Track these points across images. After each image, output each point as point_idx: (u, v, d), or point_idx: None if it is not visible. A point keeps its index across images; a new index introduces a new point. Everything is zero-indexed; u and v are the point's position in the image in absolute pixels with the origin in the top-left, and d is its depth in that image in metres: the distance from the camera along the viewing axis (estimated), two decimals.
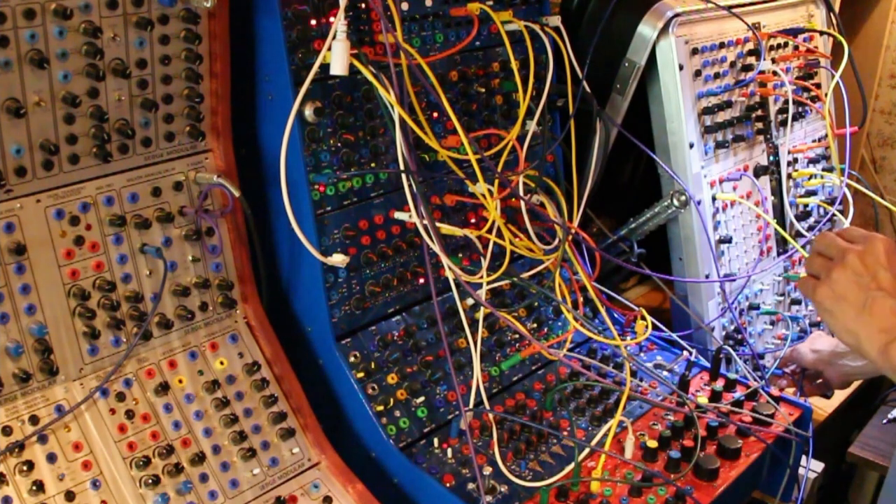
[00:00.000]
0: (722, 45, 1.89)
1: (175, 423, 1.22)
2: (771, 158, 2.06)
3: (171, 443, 1.20)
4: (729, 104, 1.91)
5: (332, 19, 1.30)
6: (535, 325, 1.63)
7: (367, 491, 1.29)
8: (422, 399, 1.42)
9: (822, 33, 2.17)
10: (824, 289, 1.14)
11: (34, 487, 1.07)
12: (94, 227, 1.18)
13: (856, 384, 1.92)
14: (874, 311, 1.08)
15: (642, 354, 1.73)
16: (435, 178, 1.49)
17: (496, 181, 1.50)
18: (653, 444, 1.42)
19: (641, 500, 1.34)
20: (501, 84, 1.61)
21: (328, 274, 1.37)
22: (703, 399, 1.55)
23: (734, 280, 1.90)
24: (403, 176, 1.37)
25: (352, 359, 1.38)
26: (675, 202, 1.80)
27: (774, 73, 1.97)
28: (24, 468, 1.08)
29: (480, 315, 1.49)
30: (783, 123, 2.06)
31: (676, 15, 1.76)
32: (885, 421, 1.95)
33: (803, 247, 2.04)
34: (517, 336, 1.58)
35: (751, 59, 1.96)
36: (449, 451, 1.38)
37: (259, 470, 1.27)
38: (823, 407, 1.91)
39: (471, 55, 1.56)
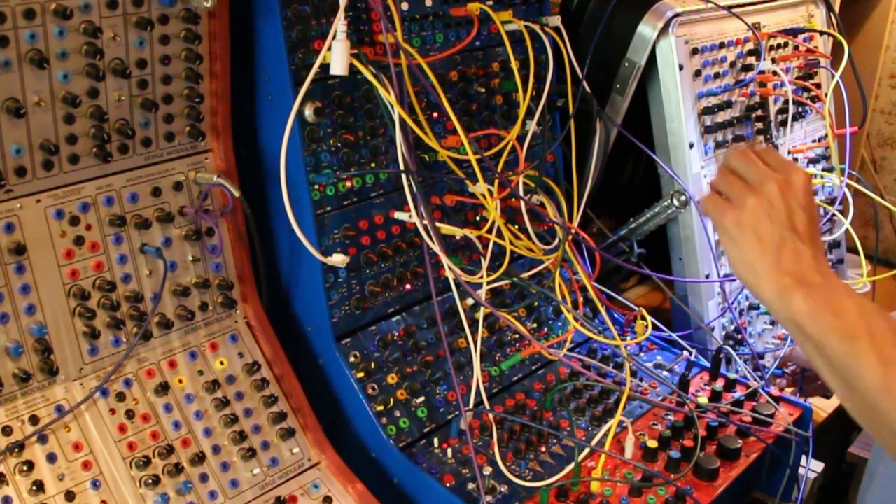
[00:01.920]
0: (722, 45, 1.89)
1: (175, 423, 1.22)
2: None
3: (171, 443, 1.20)
4: (729, 104, 1.91)
5: (332, 19, 1.30)
6: (535, 325, 1.63)
7: (367, 491, 1.29)
8: (422, 399, 1.42)
9: (822, 33, 2.17)
10: (734, 215, 1.03)
11: (34, 487, 1.07)
12: (94, 227, 1.18)
13: None
14: (783, 253, 0.99)
15: (642, 354, 1.73)
16: (435, 178, 1.48)
17: (496, 181, 1.50)
18: (653, 444, 1.42)
19: (641, 500, 1.34)
20: (501, 84, 1.61)
21: (328, 274, 1.37)
22: (703, 399, 1.55)
23: (734, 280, 1.90)
24: (403, 176, 1.37)
25: (352, 359, 1.38)
26: (675, 202, 1.80)
27: (774, 73, 1.97)
28: (24, 468, 1.08)
29: (480, 315, 1.49)
30: (783, 123, 2.06)
31: (676, 15, 1.76)
32: None
33: None
34: (517, 336, 1.58)
35: (751, 59, 1.96)
36: (449, 451, 1.38)
37: (259, 470, 1.27)
38: (823, 407, 1.91)
39: (471, 55, 1.56)
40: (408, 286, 1.49)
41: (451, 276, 1.42)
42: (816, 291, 0.96)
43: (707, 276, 1.84)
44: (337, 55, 1.25)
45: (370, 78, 1.32)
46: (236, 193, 1.28)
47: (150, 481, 1.15)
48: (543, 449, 1.42)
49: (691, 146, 1.81)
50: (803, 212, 1.01)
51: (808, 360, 1.83)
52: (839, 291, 0.97)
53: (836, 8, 2.30)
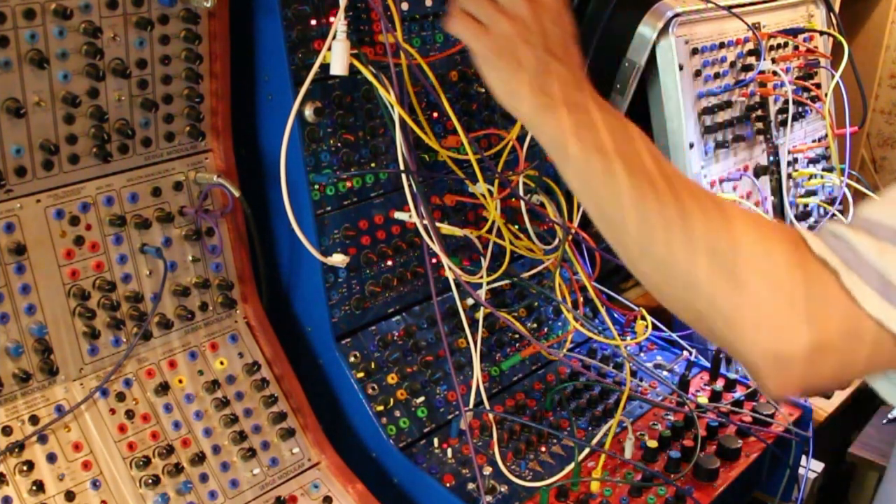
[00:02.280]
0: (722, 45, 1.89)
1: (175, 423, 1.22)
2: (771, 158, 2.06)
3: (171, 443, 1.20)
4: (729, 104, 1.91)
5: (332, 19, 1.30)
6: (535, 325, 1.63)
7: (367, 491, 1.29)
8: (422, 399, 1.42)
9: (822, 33, 2.17)
10: (489, 41, 0.98)
11: (34, 487, 1.07)
12: (94, 227, 1.18)
13: (856, 383, 1.92)
14: (542, 74, 0.96)
15: (642, 354, 1.73)
16: (435, 178, 1.48)
17: (496, 181, 1.50)
18: (653, 444, 1.42)
19: (641, 500, 1.34)
20: None
21: (328, 274, 1.37)
22: (703, 399, 1.56)
23: None
24: (403, 176, 1.37)
25: (352, 359, 1.38)
26: None
27: (774, 73, 1.97)
28: (24, 468, 1.08)
29: (480, 315, 1.49)
30: (783, 123, 2.06)
31: (676, 15, 1.76)
32: (884, 421, 1.95)
33: None
34: (517, 336, 1.58)
35: (751, 59, 1.96)
36: (449, 451, 1.38)
37: (259, 470, 1.27)
38: (823, 407, 1.91)
39: (471, 55, 1.56)
40: (408, 286, 1.48)
41: (451, 276, 1.42)
42: (576, 108, 0.94)
43: None
44: (337, 55, 1.25)
45: (370, 78, 1.32)
46: (236, 193, 1.28)
47: (150, 481, 1.15)
48: (543, 449, 1.42)
49: (691, 146, 1.81)
50: (558, 30, 0.99)
51: None
52: (598, 107, 0.96)
53: (836, 8, 2.30)
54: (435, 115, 1.48)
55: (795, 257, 0.80)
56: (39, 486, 1.08)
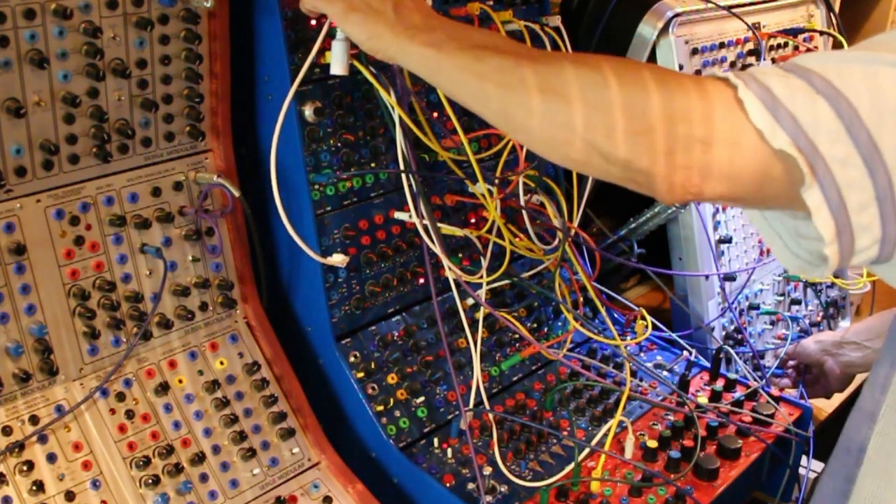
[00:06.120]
0: (722, 45, 1.89)
1: (175, 423, 1.22)
2: None
3: (171, 443, 1.20)
4: None
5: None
6: (535, 325, 1.63)
7: (367, 491, 1.29)
8: (422, 399, 1.42)
9: (822, 33, 2.17)
10: (339, 2, 1.10)
11: (34, 487, 1.07)
12: (94, 227, 1.18)
13: (856, 383, 1.92)
14: (398, 11, 1.07)
15: (642, 354, 1.73)
16: (435, 178, 1.48)
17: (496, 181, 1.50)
18: (653, 444, 1.42)
19: (641, 500, 1.34)
20: None
21: (328, 274, 1.37)
22: (703, 399, 1.55)
23: (734, 275, 1.89)
24: (403, 176, 1.37)
25: (352, 359, 1.38)
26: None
27: None
28: (24, 468, 1.08)
29: (480, 315, 1.49)
30: None
31: (676, 15, 1.76)
32: None
33: None
34: (517, 336, 1.58)
35: (751, 59, 1.96)
36: (449, 451, 1.38)
37: (259, 470, 1.27)
38: (823, 407, 1.91)
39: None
40: (408, 286, 1.48)
41: (451, 276, 1.42)
42: (438, 30, 1.05)
43: (707, 276, 1.84)
44: (337, 55, 1.24)
45: (370, 78, 1.32)
46: (236, 193, 1.28)
47: (150, 481, 1.15)
48: (543, 449, 1.42)
49: None
50: None
51: (810, 357, 1.83)
52: (459, 26, 1.08)
53: (836, 8, 2.30)
54: (435, 114, 1.48)
55: (695, 79, 0.85)
56: (39, 486, 1.08)
